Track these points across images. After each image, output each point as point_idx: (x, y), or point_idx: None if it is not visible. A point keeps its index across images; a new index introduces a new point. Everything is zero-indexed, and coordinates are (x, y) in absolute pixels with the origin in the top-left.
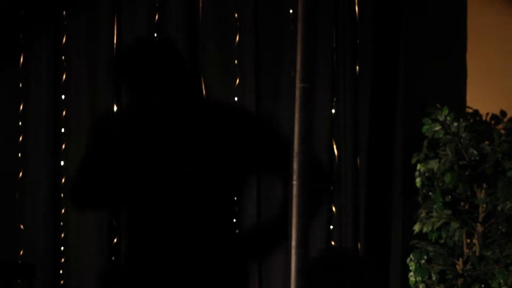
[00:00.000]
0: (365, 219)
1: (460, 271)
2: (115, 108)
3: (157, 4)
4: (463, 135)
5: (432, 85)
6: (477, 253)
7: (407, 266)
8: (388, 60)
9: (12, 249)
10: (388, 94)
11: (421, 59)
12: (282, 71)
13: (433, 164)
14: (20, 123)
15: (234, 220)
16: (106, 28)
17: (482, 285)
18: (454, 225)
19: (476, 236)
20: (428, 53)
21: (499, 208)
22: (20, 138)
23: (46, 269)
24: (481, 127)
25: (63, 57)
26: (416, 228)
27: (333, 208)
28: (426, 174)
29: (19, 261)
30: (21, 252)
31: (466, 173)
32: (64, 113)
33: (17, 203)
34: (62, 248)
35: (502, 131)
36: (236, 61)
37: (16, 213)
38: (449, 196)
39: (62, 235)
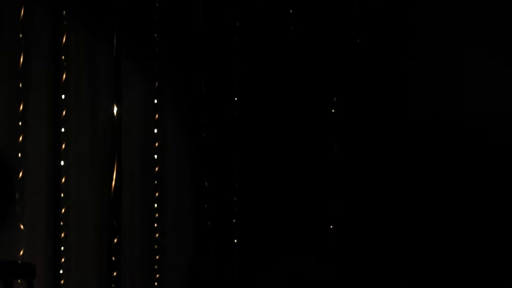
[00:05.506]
0: None
1: None
2: (115, 108)
3: (157, 4)
4: None
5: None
6: None
7: None
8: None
9: (12, 249)
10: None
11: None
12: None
13: None
14: (20, 123)
15: None
16: (106, 28)
17: None
18: None
19: None
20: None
21: None
22: (20, 138)
23: (46, 269)
24: None
25: (63, 57)
26: None
27: None
28: None
29: (19, 261)
30: (21, 252)
31: None
32: (64, 113)
33: (17, 203)
34: (62, 248)
35: None
36: (236, 61)
37: (16, 213)
38: None
39: (62, 235)
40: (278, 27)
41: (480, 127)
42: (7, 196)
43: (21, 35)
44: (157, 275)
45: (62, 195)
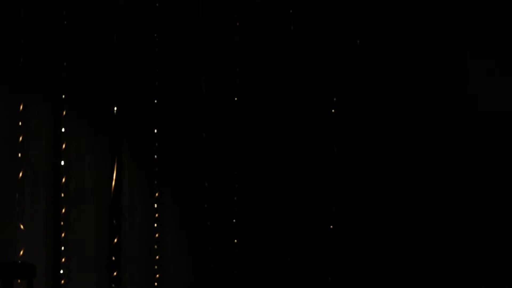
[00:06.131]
0: None
1: None
2: (115, 108)
3: (157, 4)
4: None
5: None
6: None
7: None
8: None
9: (12, 249)
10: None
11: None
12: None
13: None
14: (20, 123)
15: None
16: (106, 28)
17: None
18: None
19: None
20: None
21: None
22: (20, 138)
23: (46, 269)
24: None
25: (63, 57)
26: None
27: None
28: None
29: (19, 261)
30: (21, 252)
31: None
32: (64, 113)
33: (17, 203)
34: (62, 248)
35: None
36: (236, 61)
37: (16, 213)
38: None
39: (62, 235)
40: (278, 27)
41: (480, 127)
42: None
43: (21, 35)
44: (157, 275)
45: (62, 195)
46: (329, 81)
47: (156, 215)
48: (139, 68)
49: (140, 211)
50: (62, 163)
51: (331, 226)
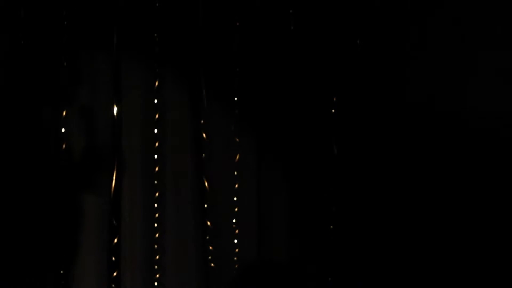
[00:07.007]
0: None
1: None
2: (115, 108)
3: (157, 4)
4: None
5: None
6: None
7: None
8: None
9: (12, 249)
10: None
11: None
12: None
13: None
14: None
15: None
16: (106, 28)
17: None
18: None
19: None
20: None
21: None
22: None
23: (46, 269)
24: None
25: (63, 57)
26: None
27: None
28: None
29: (19, 261)
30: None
31: None
32: (64, 113)
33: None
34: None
35: None
36: (236, 61)
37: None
38: None
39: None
40: (278, 27)
41: (481, 127)
42: None
43: (21, 35)
44: (157, 275)
45: None
46: (329, 81)
47: (156, 215)
48: (139, 68)
49: (140, 211)
50: None
51: (331, 226)
